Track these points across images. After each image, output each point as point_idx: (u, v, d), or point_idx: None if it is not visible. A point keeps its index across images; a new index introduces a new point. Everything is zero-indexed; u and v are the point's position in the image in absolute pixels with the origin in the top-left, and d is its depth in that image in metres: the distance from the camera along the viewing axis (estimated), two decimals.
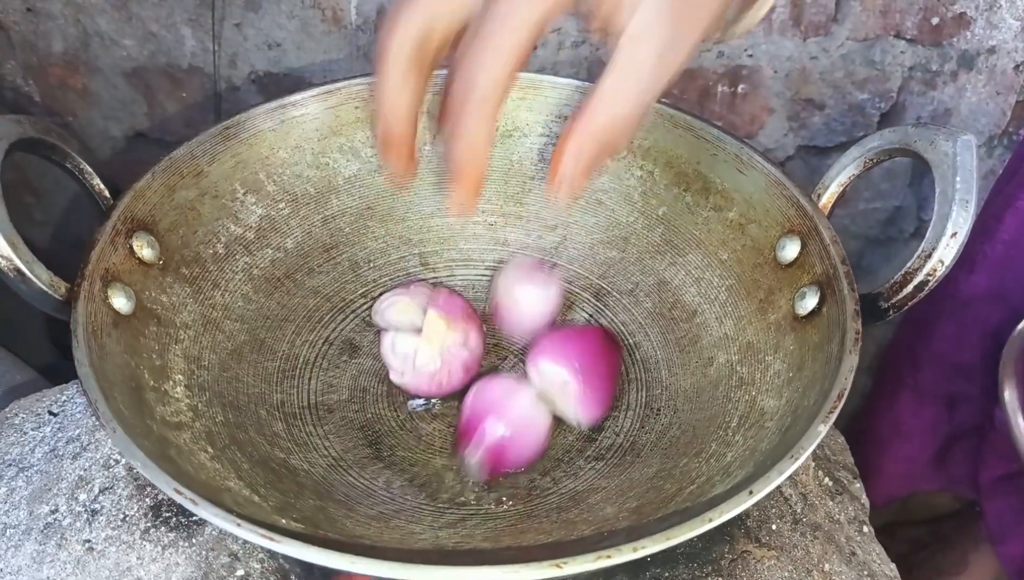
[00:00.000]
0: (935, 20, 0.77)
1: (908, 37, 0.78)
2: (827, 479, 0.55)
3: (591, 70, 0.80)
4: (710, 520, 0.38)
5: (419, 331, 0.53)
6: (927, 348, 0.80)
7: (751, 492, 0.39)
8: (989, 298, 0.73)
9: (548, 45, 0.78)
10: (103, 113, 0.84)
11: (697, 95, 0.81)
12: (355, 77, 0.60)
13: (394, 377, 0.54)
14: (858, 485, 0.57)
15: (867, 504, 0.56)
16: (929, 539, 0.98)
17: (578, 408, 0.52)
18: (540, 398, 0.51)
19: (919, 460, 0.86)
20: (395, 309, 0.54)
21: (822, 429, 0.41)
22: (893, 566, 0.53)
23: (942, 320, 0.78)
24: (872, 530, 0.55)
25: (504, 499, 0.50)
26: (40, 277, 0.46)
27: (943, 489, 0.91)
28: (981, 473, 0.78)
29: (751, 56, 0.79)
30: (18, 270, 0.45)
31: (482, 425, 0.50)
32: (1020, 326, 0.65)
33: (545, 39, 0.77)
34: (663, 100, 0.80)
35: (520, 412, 0.50)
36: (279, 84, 0.81)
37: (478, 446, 0.50)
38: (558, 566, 0.36)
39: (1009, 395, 0.62)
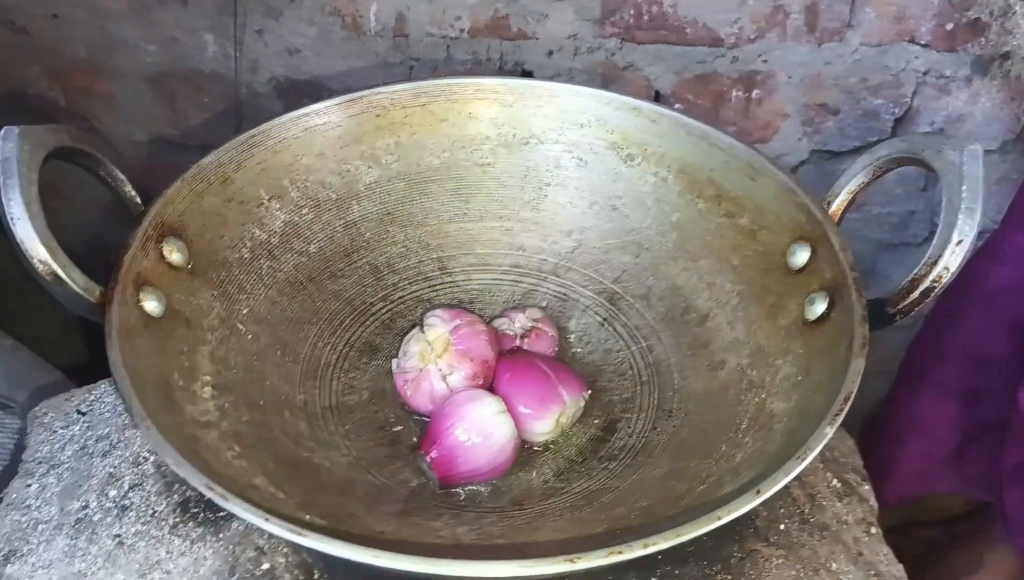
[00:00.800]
0: (949, 26, 0.77)
1: (922, 43, 0.78)
2: (835, 481, 0.56)
3: (606, 76, 0.81)
4: (718, 518, 0.39)
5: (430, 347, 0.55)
6: (953, 341, 0.80)
7: (759, 492, 0.40)
8: (1016, 289, 0.74)
9: (564, 51, 0.79)
10: (126, 117, 0.86)
11: (712, 100, 0.82)
12: (376, 86, 0.62)
13: (393, 364, 0.57)
14: (866, 487, 0.58)
15: (875, 506, 0.57)
16: (944, 539, 0.99)
17: (528, 424, 0.53)
18: (504, 412, 0.52)
19: (936, 458, 0.86)
20: (430, 325, 0.56)
21: (828, 431, 0.42)
22: (900, 567, 0.54)
23: (970, 313, 0.78)
24: (880, 531, 0.55)
25: (520, 499, 0.52)
26: (76, 281, 0.47)
27: (958, 491, 0.91)
28: (1001, 460, 0.79)
29: (765, 62, 0.79)
30: (55, 274, 0.46)
31: (436, 429, 0.51)
32: None
33: (560, 45, 0.78)
34: (677, 108, 0.81)
35: (475, 420, 0.51)
36: (299, 90, 0.82)
37: (430, 448, 0.51)
38: (571, 560, 0.38)
39: None
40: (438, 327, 0.55)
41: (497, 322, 0.59)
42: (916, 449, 0.87)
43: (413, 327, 0.57)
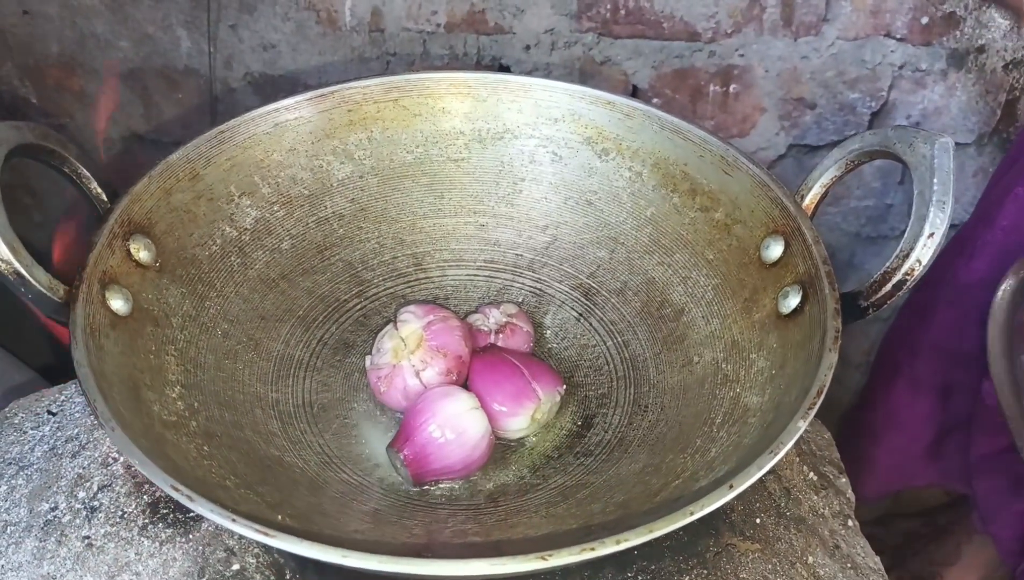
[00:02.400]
0: (925, 20, 0.78)
1: (898, 37, 0.79)
2: (812, 474, 0.56)
3: (584, 71, 0.81)
4: (691, 513, 0.39)
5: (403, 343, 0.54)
6: (925, 335, 0.81)
7: (731, 486, 0.40)
8: (988, 285, 0.74)
9: (541, 46, 0.79)
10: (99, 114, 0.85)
11: (689, 95, 0.82)
12: (348, 81, 0.61)
13: (367, 360, 0.56)
14: (843, 480, 0.58)
15: (852, 498, 0.57)
16: (924, 531, 0.99)
17: (503, 421, 0.53)
18: (477, 408, 0.51)
19: (913, 453, 0.87)
20: (404, 321, 0.55)
21: (802, 425, 0.42)
22: (877, 559, 0.54)
23: (941, 307, 0.79)
24: (857, 524, 0.55)
25: (495, 496, 0.51)
26: (39, 280, 0.47)
27: (935, 484, 0.92)
28: (971, 451, 0.79)
29: (742, 56, 0.80)
30: (18, 273, 0.46)
31: (409, 425, 0.51)
32: (998, 296, 0.66)
33: (537, 39, 0.78)
34: (655, 102, 0.81)
35: (448, 416, 0.50)
36: (275, 85, 0.82)
37: (403, 446, 0.50)
38: (543, 558, 0.37)
39: (995, 367, 0.63)
40: (411, 323, 0.54)
41: (472, 318, 0.59)
42: (893, 445, 0.88)
43: (387, 324, 0.57)
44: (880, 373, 0.90)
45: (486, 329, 0.58)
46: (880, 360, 0.91)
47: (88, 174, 0.53)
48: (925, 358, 0.82)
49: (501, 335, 0.57)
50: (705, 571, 0.49)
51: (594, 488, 0.51)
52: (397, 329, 0.55)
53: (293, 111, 0.60)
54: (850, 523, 0.55)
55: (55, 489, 0.52)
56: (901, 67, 0.81)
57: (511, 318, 0.58)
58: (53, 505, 0.51)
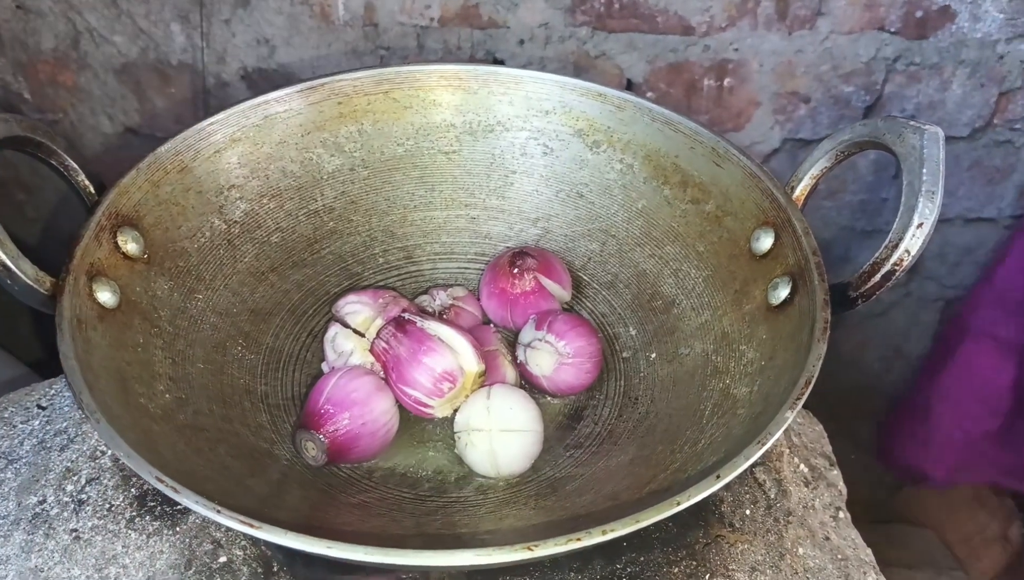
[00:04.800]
0: (919, 13, 0.77)
1: (892, 30, 0.78)
2: (803, 466, 0.56)
3: (578, 65, 0.80)
4: (678, 503, 0.39)
5: (361, 335, 0.54)
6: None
7: (718, 476, 0.40)
8: None
9: (535, 40, 0.79)
10: (94, 109, 0.85)
11: (683, 90, 0.82)
12: (338, 73, 0.61)
13: (324, 366, 0.55)
14: (835, 472, 0.58)
15: (844, 491, 0.57)
16: None
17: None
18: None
19: (981, 430, 0.85)
20: (353, 313, 0.54)
21: (789, 415, 0.42)
22: (869, 551, 0.54)
23: None
24: (848, 516, 0.55)
25: (484, 488, 0.51)
26: (26, 272, 0.46)
27: (997, 483, 0.90)
28: None
29: (737, 50, 0.79)
30: (3, 265, 0.46)
31: (341, 415, 0.50)
32: None
33: (531, 33, 0.78)
34: (649, 96, 0.81)
35: (378, 413, 0.51)
36: (269, 80, 0.81)
37: (333, 431, 0.50)
38: (529, 548, 0.37)
39: None
40: (363, 312, 0.54)
41: (419, 299, 0.59)
42: (963, 413, 0.85)
43: (328, 328, 0.56)
44: (959, 332, 0.87)
45: (431, 310, 0.58)
46: (957, 322, 0.88)
47: (76, 167, 0.53)
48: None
49: (445, 317, 0.57)
50: (694, 562, 0.49)
51: (583, 480, 0.51)
52: (348, 326, 0.54)
53: (283, 103, 0.60)
54: (841, 515, 0.55)
55: (43, 483, 0.52)
56: (895, 61, 0.80)
57: (457, 301, 0.58)
58: (41, 498, 0.51)
